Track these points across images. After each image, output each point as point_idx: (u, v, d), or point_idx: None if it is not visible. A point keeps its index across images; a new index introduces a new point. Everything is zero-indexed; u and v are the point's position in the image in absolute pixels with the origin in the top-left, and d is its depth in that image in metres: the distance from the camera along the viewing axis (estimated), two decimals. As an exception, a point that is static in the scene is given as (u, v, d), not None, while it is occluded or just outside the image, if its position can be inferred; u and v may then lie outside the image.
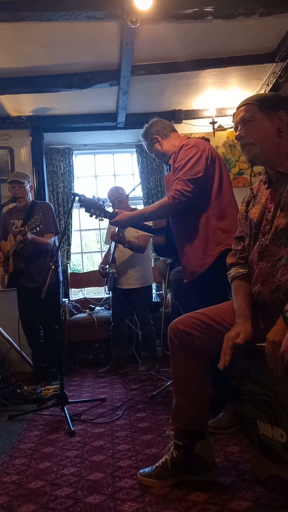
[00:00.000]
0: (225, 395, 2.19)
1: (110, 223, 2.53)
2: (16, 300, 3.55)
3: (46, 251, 3.42)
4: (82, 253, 5.30)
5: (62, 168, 4.76)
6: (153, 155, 2.57)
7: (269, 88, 4.08)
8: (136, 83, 3.84)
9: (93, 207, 2.39)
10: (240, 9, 2.98)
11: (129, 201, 3.97)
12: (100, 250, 5.47)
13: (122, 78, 3.66)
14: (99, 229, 5.27)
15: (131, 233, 3.50)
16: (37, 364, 3.60)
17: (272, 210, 1.54)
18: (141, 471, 1.71)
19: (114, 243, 3.70)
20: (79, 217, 5.06)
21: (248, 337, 1.46)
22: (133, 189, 2.78)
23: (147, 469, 1.70)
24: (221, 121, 4.63)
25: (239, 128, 1.58)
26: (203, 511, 1.44)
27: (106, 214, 2.43)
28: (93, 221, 2.48)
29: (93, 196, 2.43)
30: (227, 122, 4.59)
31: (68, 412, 2.49)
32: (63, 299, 4.30)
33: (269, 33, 3.41)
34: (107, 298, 4.50)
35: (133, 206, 3.95)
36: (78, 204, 2.45)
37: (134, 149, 4.91)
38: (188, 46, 3.46)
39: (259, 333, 1.48)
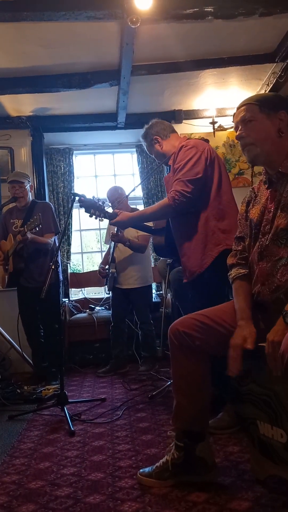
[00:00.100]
0: (225, 395, 2.19)
1: (111, 224, 2.53)
2: (16, 300, 3.55)
3: (46, 251, 3.42)
4: (82, 253, 5.30)
5: (62, 168, 4.76)
6: (153, 156, 2.58)
7: (269, 88, 4.08)
8: (136, 83, 3.84)
9: (93, 208, 2.40)
10: (240, 9, 2.98)
11: (129, 201, 3.97)
12: (100, 250, 5.47)
13: (122, 78, 3.66)
14: (99, 229, 5.27)
15: (131, 233, 3.50)
16: (37, 364, 3.60)
17: (272, 210, 1.54)
18: (141, 470, 1.71)
19: (113, 243, 3.70)
20: (79, 217, 5.06)
21: (255, 339, 1.46)
22: (133, 190, 2.78)
23: (147, 469, 1.70)
24: (221, 121, 4.63)
25: (240, 128, 1.58)
26: (203, 511, 1.44)
27: (106, 215, 2.43)
28: (93, 221, 2.48)
29: (93, 197, 2.43)
30: (227, 122, 4.59)
31: (68, 412, 2.49)
32: (63, 299, 4.31)
33: (269, 33, 3.41)
34: (107, 298, 4.50)
35: (133, 206, 3.95)
36: (78, 204, 2.45)
37: (134, 149, 4.90)
38: (188, 46, 3.46)
39: (259, 333, 1.48)
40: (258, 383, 1.47)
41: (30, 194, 3.56)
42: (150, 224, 2.85)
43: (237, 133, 1.59)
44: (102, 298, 4.64)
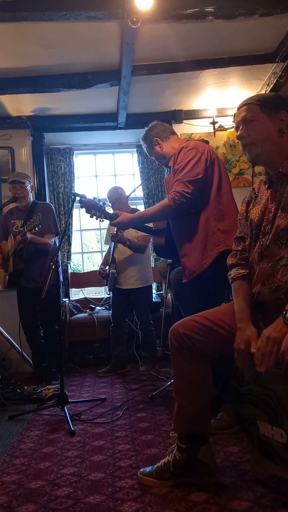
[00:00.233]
0: (225, 395, 2.19)
1: (111, 225, 2.54)
2: (16, 300, 3.55)
3: (46, 252, 3.42)
4: (82, 253, 5.30)
5: (63, 168, 4.77)
6: (153, 158, 2.60)
7: (269, 88, 4.07)
8: (136, 83, 3.84)
9: (94, 208, 2.40)
10: (240, 9, 2.98)
11: (130, 201, 3.97)
12: (100, 250, 5.47)
13: (122, 78, 3.66)
14: (100, 229, 5.27)
15: (131, 233, 3.50)
16: (37, 364, 3.60)
17: (272, 211, 1.54)
18: (141, 470, 1.71)
19: (113, 243, 3.70)
20: (80, 217, 5.07)
21: (257, 340, 1.46)
22: (133, 191, 2.78)
23: (147, 469, 1.70)
24: (222, 121, 4.63)
25: (241, 128, 1.58)
26: (203, 511, 1.44)
27: (107, 216, 2.44)
28: (94, 221, 2.48)
29: (94, 197, 2.44)
30: (228, 122, 4.59)
31: (68, 412, 2.50)
32: (63, 299, 4.31)
33: (270, 33, 3.41)
34: (107, 298, 4.50)
35: (133, 206, 3.95)
36: (79, 204, 2.46)
37: (135, 149, 4.90)
38: (188, 46, 3.46)
39: (259, 333, 1.48)
40: (258, 383, 1.47)
41: (31, 194, 3.56)
42: (150, 225, 2.85)
43: (238, 133, 1.59)
44: (103, 298, 4.64)
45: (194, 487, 1.58)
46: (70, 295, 4.72)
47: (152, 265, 4.15)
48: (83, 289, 4.91)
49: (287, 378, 1.26)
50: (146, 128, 2.54)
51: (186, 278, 2.31)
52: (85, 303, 4.62)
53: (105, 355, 4.02)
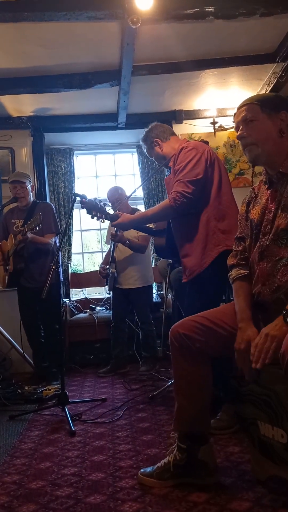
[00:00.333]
0: (225, 395, 2.19)
1: (112, 226, 2.54)
2: (17, 300, 3.55)
3: (46, 251, 3.42)
4: (83, 253, 5.30)
5: (63, 168, 4.77)
6: (153, 158, 2.60)
7: (270, 88, 4.07)
8: (137, 83, 3.84)
9: (95, 209, 2.41)
10: (240, 9, 2.98)
11: (130, 201, 3.97)
12: (101, 250, 5.47)
13: (123, 78, 3.66)
14: (100, 229, 5.27)
15: (131, 233, 3.50)
16: (37, 364, 3.60)
17: (272, 211, 1.55)
18: (142, 470, 1.71)
19: (114, 243, 3.70)
20: (80, 218, 5.07)
21: None
22: (134, 192, 2.78)
23: (148, 469, 1.70)
24: (222, 121, 4.63)
25: (241, 128, 1.58)
26: (204, 511, 1.44)
27: (108, 216, 2.45)
28: (94, 222, 2.48)
29: (95, 198, 2.45)
30: (228, 122, 4.59)
31: (68, 412, 2.50)
32: (64, 299, 4.31)
33: (270, 33, 3.41)
34: (107, 298, 4.50)
35: (133, 206, 3.95)
36: (79, 204, 2.46)
37: (135, 149, 4.91)
38: (188, 46, 3.46)
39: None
40: (258, 383, 1.47)
41: (31, 194, 3.56)
42: (151, 225, 2.86)
43: (238, 133, 1.58)
44: (103, 298, 4.64)
45: (194, 487, 1.58)
46: (71, 295, 4.73)
47: (153, 265, 4.15)
48: (83, 289, 4.91)
49: (287, 378, 1.26)
50: (145, 129, 2.54)
51: (186, 278, 2.31)
52: (86, 303, 4.62)
53: (106, 355, 4.02)
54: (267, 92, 4.06)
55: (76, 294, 4.91)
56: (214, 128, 4.57)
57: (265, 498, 1.49)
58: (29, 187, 3.50)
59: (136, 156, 4.93)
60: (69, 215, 4.50)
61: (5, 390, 3.11)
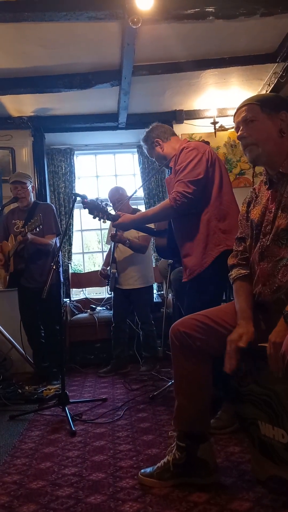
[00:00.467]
0: (225, 395, 2.19)
1: (113, 226, 2.54)
2: (17, 300, 3.55)
3: (47, 252, 3.42)
4: (83, 253, 5.30)
5: (64, 168, 4.77)
6: (154, 159, 2.60)
7: (270, 88, 4.07)
8: (137, 83, 3.84)
9: (97, 210, 2.41)
10: (241, 9, 2.98)
11: (131, 201, 3.97)
12: (101, 250, 5.47)
13: (123, 78, 3.66)
14: (100, 229, 5.27)
15: (132, 233, 3.50)
16: (38, 364, 3.60)
17: (273, 211, 1.55)
18: (142, 471, 1.71)
19: (114, 243, 3.70)
20: (80, 218, 5.07)
21: (251, 338, 1.47)
22: (134, 192, 2.78)
23: (148, 469, 1.70)
24: (222, 121, 4.63)
25: (241, 128, 1.58)
26: (204, 511, 1.44)
27: (109, 217, 2.45)
28: (94, 222, 2.49)
29: (96, 198, 2.45)
30: (229, 122, 4.58)
31: (69, 412, 2.50)
32: (64, 299, 4.31)
33: (270, 33, 3.41)
34: (108, 298, 4.51)
35: (134, 207, 3.95)
36: (79, 204, 2.47)
37: (135, 149, 4.91)
38: (189, 46, 3.46)
39: (260, 333, 1.49)
40: (258, 384, 1.47)
41: (32, 194, 3.57)
42: (151, 225, 2.86)
43: (239, 133, 1.58)
44: (103, 298, 4.65)
45: (195, 487, 1.58)
46: (71, 295, 4.73)
47: (153, 265, 4.15)
48: (84, 289, 4.91)
49: (287, 378, 1.26)
50: (146, 130, 2.54)
51: (187, 277, 2.31)
52: (86, 303, 4.62)
53: (106, 355, 4.02)
54: (268, 92, 4.06)
55: (77, 294, 4.91)
56: (215, 128, 4.57)
57: (266, 498, 1.48)
58: (30, 187, 3.50)
59: (136, 156, 4.93)
60: (70, 215, 4.50)
61: (5, 390, 3.11)
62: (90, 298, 4.72)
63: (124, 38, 3.16)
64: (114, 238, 3.45)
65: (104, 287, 4.82)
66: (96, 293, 4.98)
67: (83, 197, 2.49)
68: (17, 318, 3.51)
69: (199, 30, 3.23)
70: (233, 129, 4.22)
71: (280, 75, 3.87)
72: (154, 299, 4.07)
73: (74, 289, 4.84)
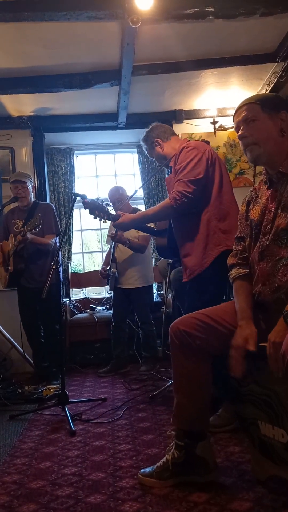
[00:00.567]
0: (225, 395, 2.19)
1: (113, 226, 2.54)
2: (17, 300, 3.55)
3: (46, 252, 3.42)
4: (83, 253, 5.30)
5: (63, 168, 4.77)
6: (154, 159, 2.60)
7: (270, 88, 4.07)
8: (137, 83, 3.84)
9: (97, 210, 2.42)
10: (241, 9, 2.98)
11: (130, 201, 3.97)
12: (101, 250, 5.47)
13: (123, 78, 3.66)
14: (100, 229, 5.27)
15: (132, 233, 3.50)
16: (38, 364, 3.60)
17: (273, 210, 1.55)
18: (142, 471, 1.71)
19: (114, 243, 3.71)
20: (80, 217, 5.07)
21: (256, 339, 1.46)
22: (135, 193, 2.78)
23: (148, 469, 1.70)
24: (222, 121, 4.63)
25: (242, 127, 1.57)
26: (204, 511, 1.44)
27: (110, 217, 2.45)
28: (94, 221, 2.49)
29: (97, 198, 2.45)
30: (228, 122, 4.59)
31: (69, 412, 2.50)
32: (64, 299, 4.31)
33: (270, 33, 3.41)
34: (108, 298, 4.51)
35: (134, 206, 3.95)
36: (79, 204, 2.47)
37: (135, 149, 4.91)
38: (189, 46, 3.46)
39: (260, 333, 1.49)
40: (258, 383, 1.47)
41: (32, 194, 3.57)
42: (152, 225, 2.86)
43: (240, 133, 1.58)
44: (103, 298, 4.65)
45: (195, 487, 1.58)
46: (71, 295, 4.73)
47: (153, 265, 4.15)
48: (83, 289, 4.91)
49: (287, 378, 1.26)
50: (146, 130, 2.54)
51: (187, 277, 2.31)
52: (86, 303, 4.62)
53: (106, 355, 4.02)
54: (267, 92, 4.06)
55: (76, 294, 4.91)
56: (214, 128, 4.58)
57: (266, 498, 1.48)
58: (30, 187, 3.51)
59: (136, 156, 4.93)
60: (69, 215, 4.50)
61: (5, 390, 3.11)
62: (90, 298, 4.72)
63: (124, 38, 3.16)
64: (113, 238, 3.46)
65: (103, 287, 4.82)
66: (95, 293, 4.98)
67: (83, 197, 2.49)
68: (17, 318, 3.51)
69: (199, 30, 3.23)
70: (232, 129, 4.23)
71: (280, 74, 3.87)
72: (154, 299, 4.07)
73: (73, 289, 4.84)
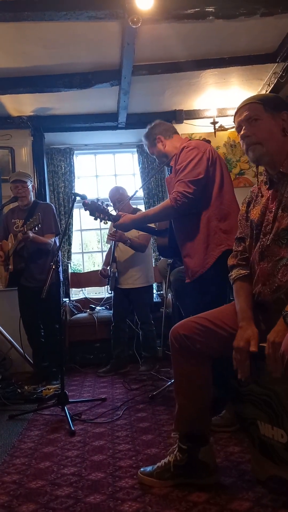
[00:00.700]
0: (225, 395, 2.19)
1: (114, 226, 2.54)
2: (17, 300, 3.55)
3: (46, 251, 3.42)
4: (82, 253, 5.30)
5: (63, 168, 4.77)
6: (154, 156, 2.58)
7: (270, 89, 4.07)
8: (137, 83, 3.84)
9: (98, 211, 2.41)
10: (241, 9, 2.98)
11: (130, 201, 3.97)
12: (101, 250, 5.47)
13: (123, 78, 3.66)
14: (100, 229, 5.27)
15: (132, 233, 3.50)
16: (37, 363, 3.60)
17: (273, 211, 1.54)
18: (142, 469, 1.72)
19: (114, 242, 3.70)
20: (80, 217, 5.07)
21: (257, 340, 1.46)
22: (135, 193, 2.77)
23: (148, 468, 1.70)
24: (222, 121, 4.63)
25: (244, 127, 1.57)
26: (204, 511, 1.44)
27: (110, 217, 2.45)
28: (94, 221, 2.49)
29: (97, 199, 2.45)
30: (228, 122, 4.59)
31: (68, 412, 2.49)
32: (63, 299, 4.31)
33: (270, 33, 3.41)
34: (107, 298, 4.51)
35: (134, 206, 3.95)
36: (79, 204, 2.46)
37: (135, 149, 4.91)
38: (189, 46, 3.46)
39: (260, 333, 1.48)
40: (258, 383, 1.47)
41: (32, 194, 3.57)
42: (153, 225, 2.86)
43: (242, 133, 1.57)
44: (103, 298, 4.65)
45: (194, 487, 1.58)
46: (71, 295, 4.73)
47: (153, 265, 4.15)
48: (83, 289, 4.91)
49: (287, 378, 1.26)
50: (149, 126, 2.53)
51: (189, 278, 2.31)
52: (86, 303, 4.62)
53: (106, 355, 4.02)
54: (268, 92, 4.06)
55: (76, 293, 4.91)
56: (215, 128, 4.58)
57: (265, 498, 1.48)
58: (30, 186, 3.51)
59: (136, 156, 4.93)
60: (69, 215, 4.50)
61: (5, 390, 3.10)
62: (90, 298, 4.72)
63: (124, 37, 3.16)
64: (113, 238, 3.45)
65: (103, 287, 4.82)
66: (95, 293, 4.98)
67: (83, 197, 2.49)
68: (17, 318, 3.50)
69: (199, 30, 3.23)
70: (233, 129, 4.24)
71: (280, 75, 3.87)
72: (154, 299, 4.07)
73: (73, 289, 4.84)
